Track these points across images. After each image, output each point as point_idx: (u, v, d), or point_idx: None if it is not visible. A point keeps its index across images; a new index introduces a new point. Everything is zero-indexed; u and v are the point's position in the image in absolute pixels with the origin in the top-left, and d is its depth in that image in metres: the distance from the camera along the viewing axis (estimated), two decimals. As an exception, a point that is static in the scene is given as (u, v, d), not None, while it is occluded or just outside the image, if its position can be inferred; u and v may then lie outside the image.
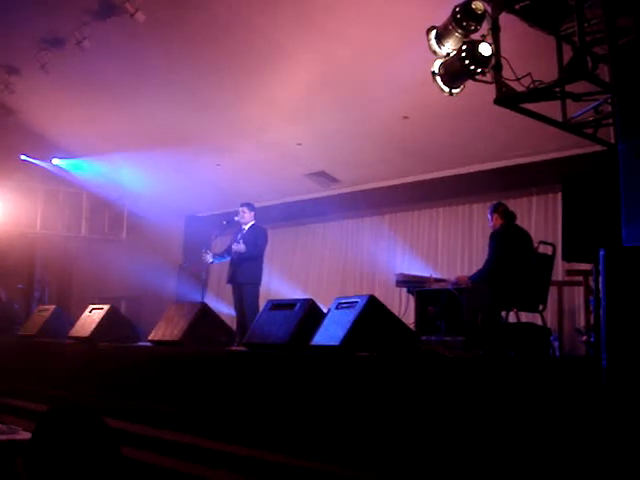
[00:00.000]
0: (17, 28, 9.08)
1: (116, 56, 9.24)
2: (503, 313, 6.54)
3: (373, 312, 5.19)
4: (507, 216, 7.01)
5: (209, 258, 8.86)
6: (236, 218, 8.91)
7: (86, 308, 8.47)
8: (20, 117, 11.86)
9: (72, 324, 8.42)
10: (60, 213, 13.28)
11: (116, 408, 6.60)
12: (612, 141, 5.54)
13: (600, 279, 4.30)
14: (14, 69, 10.21)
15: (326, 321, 5.40)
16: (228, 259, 8.87)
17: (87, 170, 12.86)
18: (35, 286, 13.53)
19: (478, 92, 5.19)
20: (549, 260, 6.84)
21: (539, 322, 6.79)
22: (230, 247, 8.80)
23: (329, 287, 11.79)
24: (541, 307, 6.63)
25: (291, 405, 5.18)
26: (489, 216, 7.15)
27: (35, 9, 8.58)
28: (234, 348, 6.71)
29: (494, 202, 7.47)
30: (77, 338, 8.04)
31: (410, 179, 10.66)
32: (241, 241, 8.61)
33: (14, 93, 10.70)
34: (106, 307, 8.20)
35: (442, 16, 5.27)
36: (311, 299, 5.88)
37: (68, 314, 9.76)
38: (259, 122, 9.98)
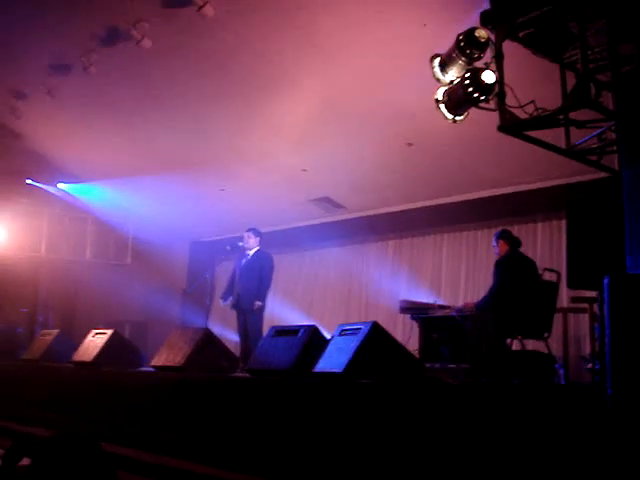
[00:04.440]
0: (24, 53, 9.16)
1: (122, 82, 9.30)
2: (508, 341, 6.50)
3: (376, 339, 5.16)
4: (512, 243, 7.01)
5: (222, 302, 8.98)
6: (240, 243, 8.93)
7: (90, 332, 8.45)
8: (26, 141, 11.92)
9: (75, 348, 8.40)
10: (65, 237, 13.32)
11: (118, 433, 6.56)
12: (616, 168, 5.53)
13: (605, 307, 4.28)
14: (21, 94, 10.28)
15: (329, 348, 5.37)
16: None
17: (92, 194, 12.92)
18: (39, 310, 13.51)
19: (482, 119, 5.20)
20: (554, 287, 6.81)
21: (544, 350, 6.76)
22: (233, 278, 8.89)
23: (333, 313, 11.76)
24: (546, 335, 6.60)
25: (294, 433, 5.14)
26: (494, 243, 7.15)
27: (42, 35, 8.65)
28: (237, 374, 6.67)
29: (499, 229, 7.46)
30: (80, 363, 8.00)
31: (414, 205, 10.67)
32: (258, 301, 8.72)
33: (21, 118, 10.77)
34: (109, 332, 8.17)
35: (446, 43, 5.30)
36: (314, 325, 5.86)
37: (72, 338, 9.73)
38: (264, 147, 10.02)
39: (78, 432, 2.41)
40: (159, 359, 7.12)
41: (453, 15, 6.38)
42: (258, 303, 8.70)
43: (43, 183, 12.83)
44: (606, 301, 4.14)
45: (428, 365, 6.26)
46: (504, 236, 7.07)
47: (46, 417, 7.71)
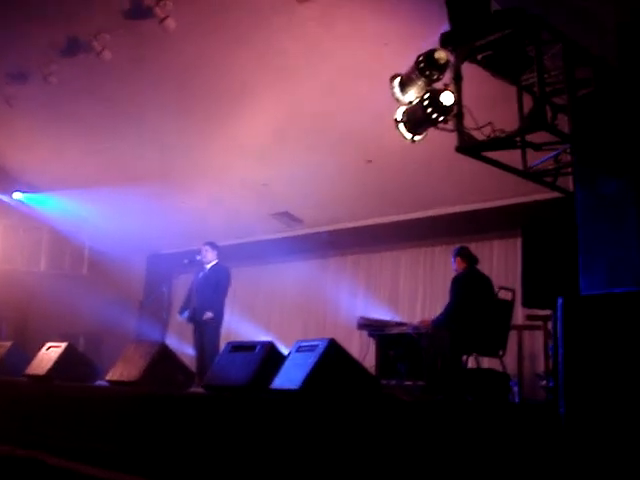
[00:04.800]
0: (-18, 62, 9.06)
1: (82, 92, 9.23)
2: (463, 358, 6.56)
3: (333, 356, 5.17)
4: (469, 260, 7.10)
5: (179, 316, 8.96)
6: (198, 257, 8.90)
7: (43, 345, 8.32)
8: (-17, 150, 11.76)
9: (29, 361, 8.27)
10: (20, 247, 13.12)
11: (70, 449, 6.47)
12: (571, 189, 5.64)
13: (558, 327, 4.35)
14: (-22, 102, 10.13)
15: (286, 364, 5.36)
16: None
17: (48, 205, 12.75)
18: (-9, 321, 13.28)
19: (439, 137, 5.26)
20: (509, 306, 6.90)
21: (499, 367, 6.83)
22: (191, 292, 8.85)
23: (291, 328, 11.75)
24: (501, 352, 6.67)
25: (250, 449, 5.12)
26: (452, 259, 7.23)
27: (1, 43, 8.55)
28: (193, 390, 6.63)
29: (457, 246, 7.54)
30: (33, 376, 7.87)
31: (373, 221, 10.75)
32: (209, 312, 8.66)
33: (-23, 127, 10.63)
34: (64, 345, 8.06)
35: (407, 62, 5.36)
36: (271, 342, 5.84)
37: (25, 351, 9.57)
38: (224, 161, 10.02)
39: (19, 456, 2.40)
40: (114, 373, 7.04)
41: (414, 35, 6.47)
42: (209, 314, 8.64)
43: (-2, 192, 12.67)
44: (559, 322, 4.21)
45: (384, 382, 6.29)
46: (462, 253, 7.16)
47: (8, 435, 7.58)
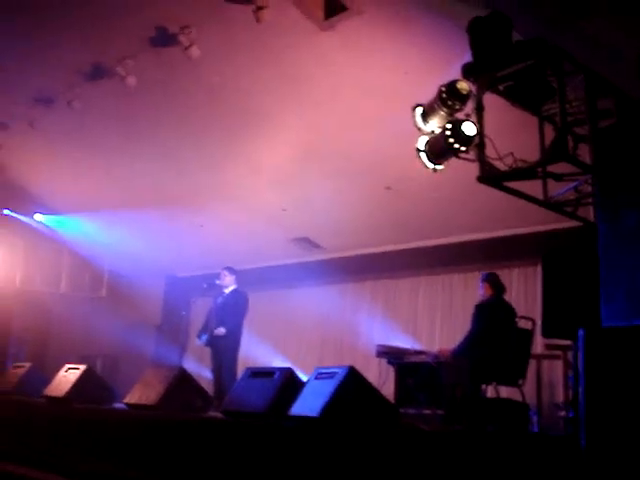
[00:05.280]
0: (8, 85, 9.17)
1: (105, 117, 9.33)
2: (482, 387, 6.53)
3: (353, 384, 5.16)
4: (497, 288, 7.02)
5: (197, 340, 8.97)
6: (217, 281, 8.94)
7: (62, 366, 8.36)
8: (5, 172, 11.86)
9: (47, 382, 8.31)
10: (40, 269, 13.23)
11: (87, 472, 6.48)
12: (592, 219, 5.63)
13: (579, 357, 4.34)
14: (2, 124, 10.25)
15: (305, 391, 5.36)
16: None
17: (69, 227, 12.86)
18: (11, 342, 13.36)
19: (460, 165, 5.29)
20: (528, 335, 6.86)
21: (518, 396, 6.79)
22: (209, 318, 8.87)
23: (308, 353, 11.74)
24: (520, 382, 6.63)
25: (267, 476, 5.11)
26: (480, 284, 7.16)
27: (27, 67, 8.67)
28: (211, 415, 6.63)
29: (484, 272, 7.47)
30: (52, 398, 7.91)
31: (392, 248, 10.76)
32: (221, 328, 8.68)
33: (1, 148, 10.76)
34: (82, 367, 8.09)
35: (427, 91, 5.40)
36: (290, 368, 5.85)
37: (43, 372, 9.63)
38: (244, 186, 10.07)
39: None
40: (133, 397, 7.06)
41: (434, 64, 6.53)
42: (221, 330, 8.64)
43: (20, 214, 12.77)
44: (581, 353, 4.20)
45: (403, 410, 6.27)
46: (490, 280, 7.08)
47: (13, 452, 7.60)
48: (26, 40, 8.17)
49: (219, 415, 6.12)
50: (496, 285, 7.00)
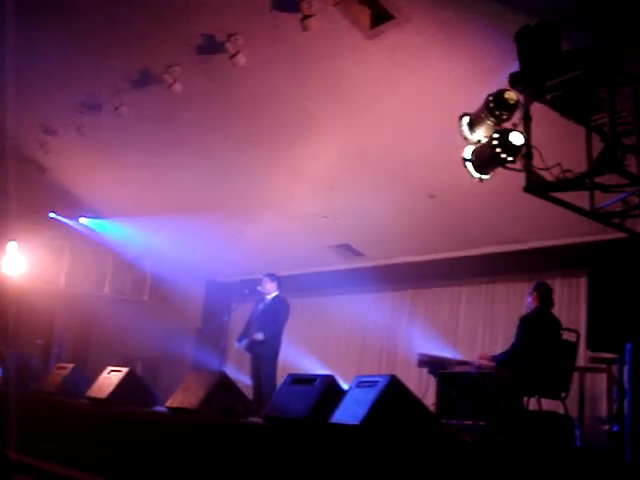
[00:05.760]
0: (57, 91, 9.36)
1: (151, 123, 9.47)
2: (524, 399, 6.46)
3: (394, 393, 5.15)
4: (544, 301, 6.89)
5: (237, 345, 9.01)
6: (259, 288, 8.98)
7: (102, 367, 8.46)
8: (52, 176, 12.08)
9: (89, 384, 8.41)
10: (85, 271, 13.43)
11: (128, 474, 6.55)
12: (639, 231, 5.56)
13: (625, 371, 4.28)
14: (51, 129, 10.46)
15: (346, 399, 5.36)
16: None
17: (113, 230, 13.03)
18: (54, 342, 13.56)
19: (505, 174, 5.25)
20: (572, 347, 6.77)
21: (560, 409, 6.71)
22: (250, 321, 8.91)
23: (347, 361, 11.70)
24: (563, 395, 6.55)
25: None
26: (529, 293, 7.05)
27: (76, 74, 8.84)
28: (251, 420, 6.66)
29: (536, 281, 7.36)
30: (94, 399, 8.01)
31: (434, 256, 10.68)
32: (260, 333, 8.71)
33: (49, 152, 10.95)
34: (124, 370, 8.19)
35: (473, 100, 5.38)
36: (331, 375, 5.86)
37: (85, 373, 9.76)
38: (286, 192, 10.11)
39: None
40: (174, 400, 7.12)
41: (481, 73, 6.50)
42: (259, 335, 8.67)
43: (66, 217, 12.98)
44: (627, 367, 4.14)
45: (444, 421, 6.23)
46: (539, 289, 6.95)
47: (57, 452, 7.71)
48: (75, 47, 8.34)
49: (260, 421, 6.15)
50: (544, 297, 6.87)
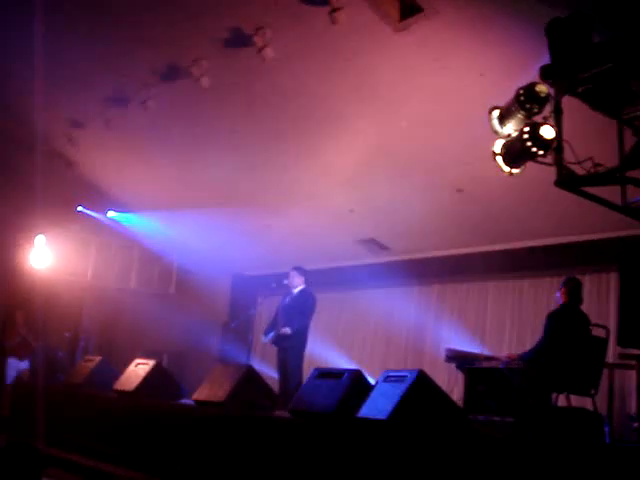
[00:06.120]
0: (84, 85, 9.40)
1: (178, 117, 9.49)
2: (553, 396, 6.39)
3: (422, 388, 5.13)
4: (573, 296, 6.75)
5: (264, 338, 9.01)
6: (285, 281, 8.96)
7: (128, 360, 8.51)
8: (79, 169, 12.14)
9: (116, 376, 8.46)
10: (111, 264, 13.51)
11: (155, 465, 6.59)
12: (671, 226, 5.49)
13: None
14: (79, 123, 10.51)
15: (373, 393, 5.35)
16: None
17: (140, 224, 13.09)
18: (81, 335, 13.66)
19: (535, 168, 5.20)
20: (603, 343, 6.69)
21: (589, 406, 6.64)
22: (276, 317, 8.91)
23: (373, 355, 11.68)
24: (593, 391, 6.48)
25: (334, 476, 5.11)
26: (559, 288, 6.95)
27: (104, 67, 8.87)
28: (278, 414, 6.66)
29: (566, 276, 7.24)
30: (121, 392, 8.06)
31: (461, 251, 10.61)
32: (287, 328, 8.68)
33: (76, 146, 11.02)
34: (151, 362, 8.22)
35: (502, 93, 5.33)
36: (359, 370, 5.84)
37: (111, 365, 9.82)
38: (313, 186, 10.09)
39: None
40: (201, 393, 7.14)
41: (510, 66, 6.45)
42: (287, 330, 8.66)
43: (93, 211, 13.06)
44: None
45: (472, 417, 6.19)
46: (568, 285, 6.79)
47: (84, 444, 7.77)
48: (102, 40, 8.37)
49: (286, 414, 6.15)
50: (573, 293, 6.75)
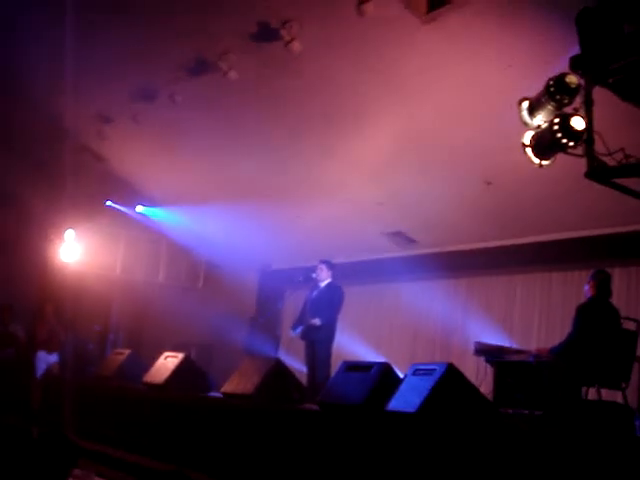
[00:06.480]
0: (113, 79, 9.45)
1: (205, 111, 9.51)
2: (583, 389, 6.34)
3: (451, 381, 5.12)
4: (602, 289, 6.65)
5: (292, 332, 9.04)
6: (313, 275, 8.97)
7: (156, 353, 8.59)
8: (108, 164, 12.23)
9: (145, 369, 8.54)
10: (140, 259, 13.61)
11: (184, 457, 6.64)
12: None
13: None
14: (107, 118, 10.57)
15: (403, 387, 5.35)
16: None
17: (168, 218, 13.16)
18: (110, 328, 13.78)
19: (565, 159, 5.16)
20: (633, 337, 6.62)
21: (619, 400, 6.58)
22: (304, 310, 8.91)
23: (400, 349, 11.65)
24: (624, 385, 6.42)
25: (365, 469, 5.12)
26: (587, 281, 6.86)
27: (132, 62, 8.92)
28: (307, 406, 6.69)
29: (596, 269, 7.13)
30: (151, 384, 8.13)
31: (489, 244, 10.53)
32: (317, 319, 8.69)
33: (105, 141, 11.10)
34: (181, 355, 8.29)
35: (531, 85, 5.29)
36: (387, 363, 5.86)
37: (140, 358, 9.90)
38: (340, 179, 10.06)
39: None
40: (229, 386, 7.20)
41: (539, 57, 6.38)
42: (317, 321, 8.66)
43: (122, 205, 13.15)
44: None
45: (501, 410, 6.17)
46: (597, 278, 6.69)
47: (114, 436, 7.85)
48: (130, 35, 8.40)
49: (315, 407, 6.17)
50: (602, 286, 6.64)
